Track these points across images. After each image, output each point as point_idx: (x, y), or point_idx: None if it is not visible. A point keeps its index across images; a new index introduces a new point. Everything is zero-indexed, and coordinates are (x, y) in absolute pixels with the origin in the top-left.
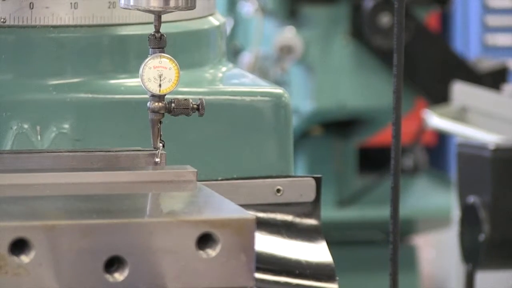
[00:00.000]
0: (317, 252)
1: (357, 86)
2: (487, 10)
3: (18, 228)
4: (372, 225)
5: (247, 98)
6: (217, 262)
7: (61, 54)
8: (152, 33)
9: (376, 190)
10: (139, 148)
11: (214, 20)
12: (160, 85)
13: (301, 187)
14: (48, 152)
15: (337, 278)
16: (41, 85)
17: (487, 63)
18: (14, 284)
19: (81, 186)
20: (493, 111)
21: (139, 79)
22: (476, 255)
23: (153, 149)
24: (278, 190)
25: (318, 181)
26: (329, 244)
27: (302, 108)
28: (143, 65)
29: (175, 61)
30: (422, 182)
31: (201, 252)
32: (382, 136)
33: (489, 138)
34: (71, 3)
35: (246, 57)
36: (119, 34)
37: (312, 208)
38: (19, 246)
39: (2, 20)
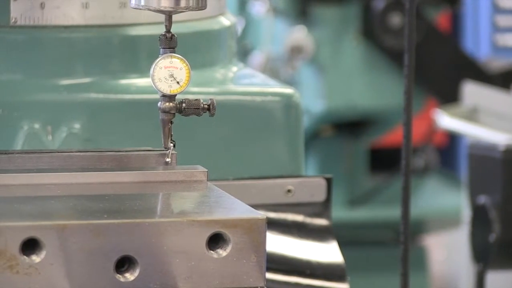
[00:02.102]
0: (328, 252)
1: (368, 86)
2: (498, 10)
3: (29, 228)
4: (382, 225)
5: (258, 98)
6: (228, 262)
7: (72, 54)
8: (163, 33)
9: (386, 190)
10: (150, 148)
11: (225, 20)
12: (170, 85)
13: (312, 187)
14: (58, 152)
15: (348, 278)
16: (52, 85)
17: (497, 64)
18: (25, 283)
19: (92, 186)
20: (503, 111)
21: (150, 79)
22: (486, 255)
23: (163, 149)
24: (289, 190)
25: (329, 181)
26: (340, 244)
27: (313, 108)
28: (154, 65)
29: (186, 61)
30: (433, 182)
31: (212, 252)
32: (393, 136)
33: (499, 138)
34: (82, 3)
35: (257, 57)
36: (130, 34)
37: (323, 208)
38: (30, 246)
39: (13, 20)
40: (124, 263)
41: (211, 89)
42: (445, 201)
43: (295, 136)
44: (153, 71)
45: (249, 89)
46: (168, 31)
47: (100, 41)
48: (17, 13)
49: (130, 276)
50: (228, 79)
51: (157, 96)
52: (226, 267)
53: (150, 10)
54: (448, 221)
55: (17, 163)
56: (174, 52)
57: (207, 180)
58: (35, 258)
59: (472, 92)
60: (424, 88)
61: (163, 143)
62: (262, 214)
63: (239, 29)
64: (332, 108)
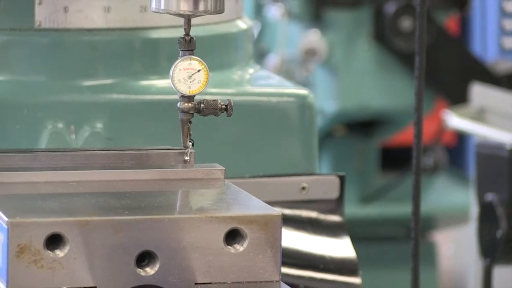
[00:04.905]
0: (341, 248)
1: (380, 88)
2: (505, 14)
3: (53, 224)
4: (394, 221)
5: (274, 99)
6: (245, 257)
7: (94, 56)
8: (182, 36)
9: (397, 187)
10: (169, 147)
11: (242, 24)
12: (189, 86)
13: (326, 184)
14: (81, 151)
15: (360, 272)
16: (75, 86)
17: (504, 66)
18: (49, 277)
19: (113, 184)
20: (510, 111)
21: (169, 80)
22: (493, 250)
23: (182, 148)
24: (303, 188)
25: (341, 179)
26: (353, 240)
27: (326, 108)
28: (173, 66)
29: (204, 63)
30: (442, 180)
31: (229, 247)
32: (404, 135)
33: (506, 137)
34: (104, 7)
35: (272, 59)
36: (150, 37)
37: (336, 205)
38: (54, 241)
39: (37, 23)
40: (144, 258)
41: (229, 90)
42: (454, 199)
43: (309, 136)
44: (172, 73)
45: (265, 90)
46: (187, 34)
47: (122, 44)
48: (42, 16)
49: (150, 270)
50: (245, 80)
51: (177, 96)
52: (243, 262)
53: (169, 13)
54: (457, 218)
55: (42, 161)
56: (193, 54)
57: (225, 178)
58: (59, 253)
59: (480, 93)
60: (433, 89)
61: (182, 142)
62: (277, 211)
63: (256, 32)
64: (345, 108)
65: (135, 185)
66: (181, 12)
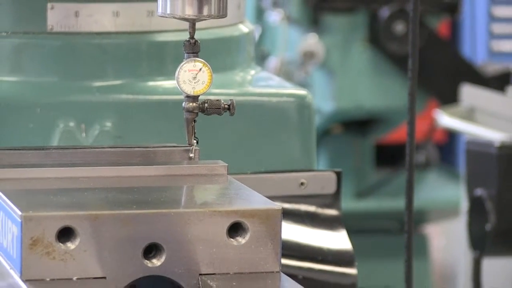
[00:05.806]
0: (338, 240)
1: (374, 88)
2: (493, 18)
3: (64, 217)
4: (388, 215)
5: (274, 99)
6: (247, 249)
7: (103, 59)
8: (187, 39)
9: (391, 183)
10: (175, 144)
11: (244, 28)
12: (194, 87)
13: (323, 180)
14: (91, 148)
15: (356, 263)
16: (86, 87)
17: (493, 67)
18: (61, 268)
19: (122, 179)
20: (498, 111)
21: (175, 81)
22: (483, 243)
23: (187, 145)
24: (302, 183)
25: (338, 175)
26: (349, 233)
27: (324, 108)
28: (178, 68)
29: (208, 65)
30: (434, 176)
31: (232, 240)
32: (397, 133)
33: (495, 136)
34: (113, 12)
35: (273, 62)
36: (157, 40)
37: (333, 199)
38: (65, 234)
39: (50, 27)
40: (151, 250)
41: (231, 91)
42: (445, 194)
43: (308, 134)
44: (178, 74)
45: (266, 91)
46: (192, 37)
47: (130, 47)
48: (54, 21)
49: (157, 262)
50: (246, 81)
51: (182, 97)
52: (245, 254)
53: (175, 18)
54: (448, 212)
55: (54, 158)
56: (197, 57)
57: (227, 174)
58: (70, 245)
59: (470, 93)
60: (425, 90)
61: (187, 140)
62: (277, 205)
63: (257, 36)
64: (341, 108)
65: (142, 181)
66: (186, 17)
